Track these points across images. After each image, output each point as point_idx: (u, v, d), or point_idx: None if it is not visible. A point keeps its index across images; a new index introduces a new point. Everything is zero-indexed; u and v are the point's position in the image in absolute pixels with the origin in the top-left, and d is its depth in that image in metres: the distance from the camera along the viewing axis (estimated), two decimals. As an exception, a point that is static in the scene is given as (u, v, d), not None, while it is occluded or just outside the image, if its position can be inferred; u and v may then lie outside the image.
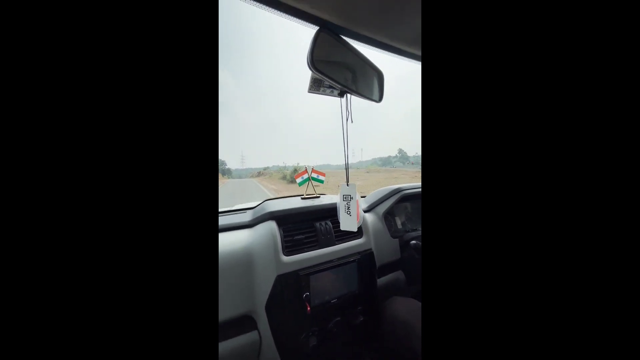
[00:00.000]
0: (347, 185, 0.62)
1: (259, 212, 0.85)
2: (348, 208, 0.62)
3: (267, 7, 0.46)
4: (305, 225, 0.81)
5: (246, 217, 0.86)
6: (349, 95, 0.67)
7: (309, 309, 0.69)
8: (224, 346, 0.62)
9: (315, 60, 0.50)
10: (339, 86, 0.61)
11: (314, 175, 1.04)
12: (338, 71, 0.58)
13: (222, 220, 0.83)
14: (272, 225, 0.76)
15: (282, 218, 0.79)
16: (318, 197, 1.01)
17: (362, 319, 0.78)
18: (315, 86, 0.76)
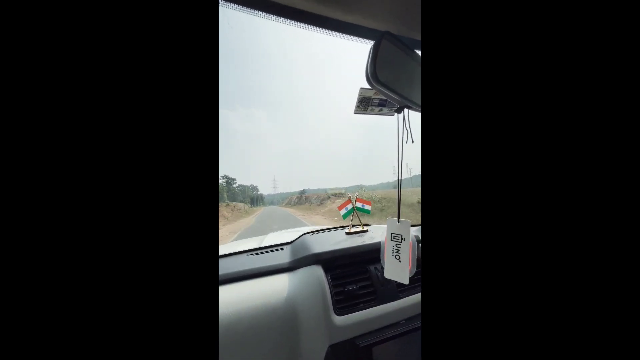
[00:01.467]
0: (398, 221, 0.47)
1: (299, 250, 0.72)
2: (397, 252, 0.46)
3: (311, 27, 0.40)
4: (357, 271, 0.66)
5: (284, 256, 0.74)
6: (406, 110, 0.55)
7: None
8: None
9: (378, 72, 0.40)
10: (402, 100, 0.49)
11: (359, 204, 0.90)
12: (400, 83, 0.48)
13: (257, 261, 0.71)
14: (317, 272, 0.62)
15: (329, 262, 0.65)
16: (366, 230, 0.86)
17: None
18: (363, 106, 0.66)
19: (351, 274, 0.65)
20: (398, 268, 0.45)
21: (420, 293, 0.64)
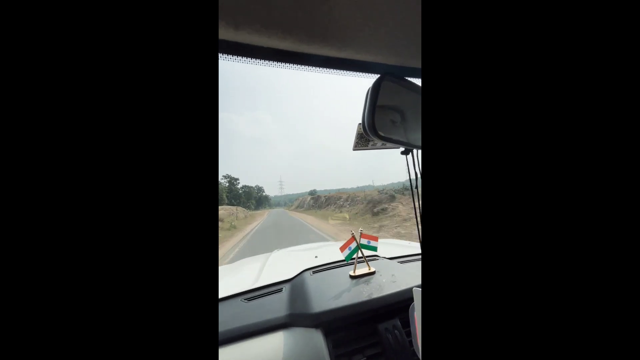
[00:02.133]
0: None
1: (298, 296, 0.63)
2: None
3: (329, 70, 0.34)
4: (365, 333, 0.56)
5: (282, 302, 0.65)
6: (415, 150, 0.46)
7: None
8: None
9: (377, 123, 0.31)
10: (405, 145, 0.40)
11: (364, 241, 0.80)
12: (406, 126, 0.39)
13: (251, 312, 0.63)
14: (316, 339, 0.53)
15: (331, 323, 0.56)
16: (373, 273, 0.76)
17: None
18: (363, 142, 0.57)
19: (357, 337, 0.55)
20: None
21: None
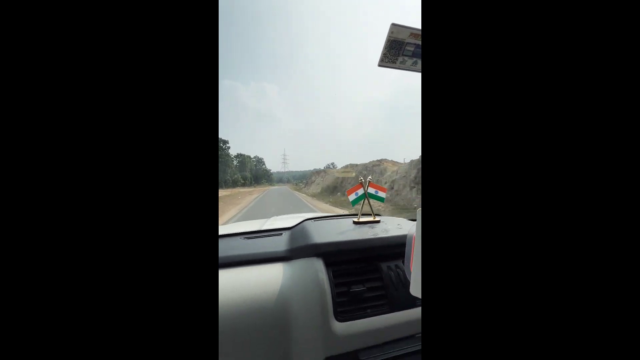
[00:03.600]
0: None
1: (298, 237, 0.61)
2: None
3: None
4: (366, 269, 0.53)
5: (281, 242, 0.63)
6: None
7: None
8: None
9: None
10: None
11: (372, 190, 0.75)
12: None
13: (253, 246, 0.61)
14: (317, 266, 0.50)
15: (332, 255, 0.53)
16: (378, 222, 0.72)
17: None
18: (392, 54, 0.49)
19: (358, 271, 0.52)
20: None
21: None
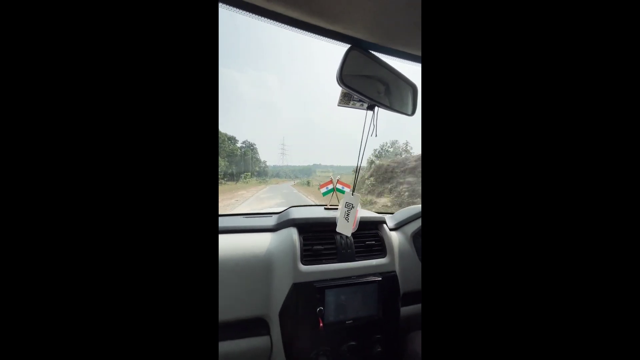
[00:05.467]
0: (352, 194, 0.68)
1: (283, 217, 0.88)
2: (347, 214, 0.69)
3: (301, 31, 0.49)
4: (326, 237, 0.80)
5: (271, 221, 0.90)
6: (377, 108, 0.66)
7: (321, 324, 0.67)
8: (237, 344, 0.65)
9: (344, 76, 0.51)
10: (368, 100, 0.60)
11: (339, 186, 1.03)
12: (368, 85, 0.58)
13: (249, 222, 0.88)
14: (293, 232, 0.77)
15: (303, 226, 0.80)
16: (341, 209, 1.00)
17: (379, 349, 0.73)
18: (345, 100, 0.76)
19: (320, 237, 0.80)
20: (346, 226, 0.69)
21: (372, 260, 0.79)
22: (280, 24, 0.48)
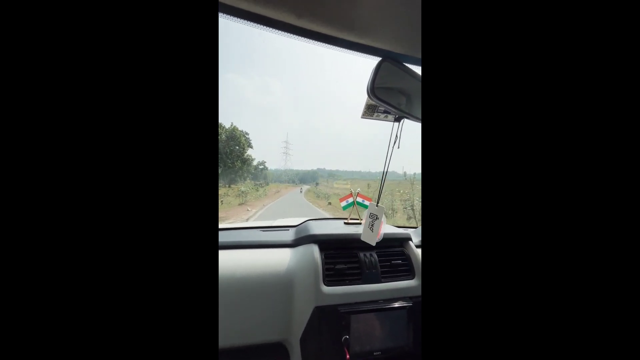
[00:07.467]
0: (377, 206, 0.69)
1: (301, 232, 0.84)
2: (372, 225, 0.69)
3: (331, 46, 0.48)
4: (349, 254, 0.76)
5: (288, 235, 0.86)
6: (403, 120, 0.63)
7: (347, 357, 0.61)
8: None
9: (376, 88, 0.48)
10: (398, 112, 0.58)
11: (359, 199, 0.99)
12: (399, 97, 0.56)
13: (265, 237, 0.84)
14: (313, 249, 0.73)
15: (324, 242, 0.76)
16: (361, 223, 0.96)
17: None
18: (369, 112, 0.74)
19: (342, 255, 0.75)
20: (370, 235, 0.70)
21: (400, 282, 0.74)
22: (311, 40, 0.46)
